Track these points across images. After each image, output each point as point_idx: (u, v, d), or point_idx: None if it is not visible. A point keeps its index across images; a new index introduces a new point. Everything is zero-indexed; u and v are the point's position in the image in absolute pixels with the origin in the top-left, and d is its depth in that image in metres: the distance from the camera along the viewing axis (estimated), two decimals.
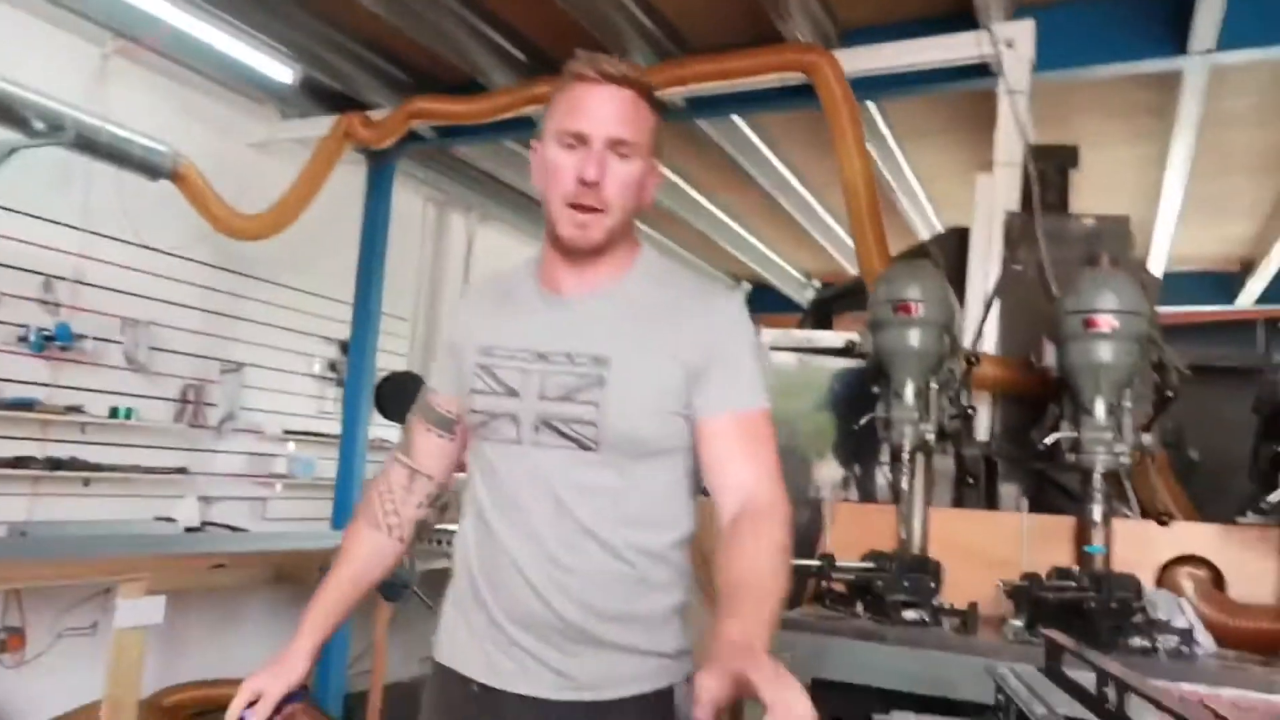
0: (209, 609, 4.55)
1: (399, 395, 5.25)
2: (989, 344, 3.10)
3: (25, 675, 3.84)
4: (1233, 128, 4.63)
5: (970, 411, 2.64)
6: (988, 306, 3.12)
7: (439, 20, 3.83)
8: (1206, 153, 4.76)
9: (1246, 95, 4.27)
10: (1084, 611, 2.20)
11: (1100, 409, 2.35)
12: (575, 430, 1.29)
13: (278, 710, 1.37)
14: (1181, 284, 7.30)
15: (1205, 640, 2.23)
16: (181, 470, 4.50)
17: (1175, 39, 3.38)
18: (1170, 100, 4.10)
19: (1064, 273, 2.74)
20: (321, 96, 4.85)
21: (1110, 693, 1.28)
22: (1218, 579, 2.47)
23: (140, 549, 3.56)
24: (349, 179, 5.09)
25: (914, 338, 2.53)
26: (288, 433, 5.16)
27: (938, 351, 2.57)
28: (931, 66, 3.60)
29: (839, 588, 2.57)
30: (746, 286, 8.63)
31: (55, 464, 3.93)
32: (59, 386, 4.05)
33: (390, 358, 5.61)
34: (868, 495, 3.27)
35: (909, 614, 2.39)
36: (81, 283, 4.16)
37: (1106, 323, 2.32)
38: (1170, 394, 2.48)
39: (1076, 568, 2.38)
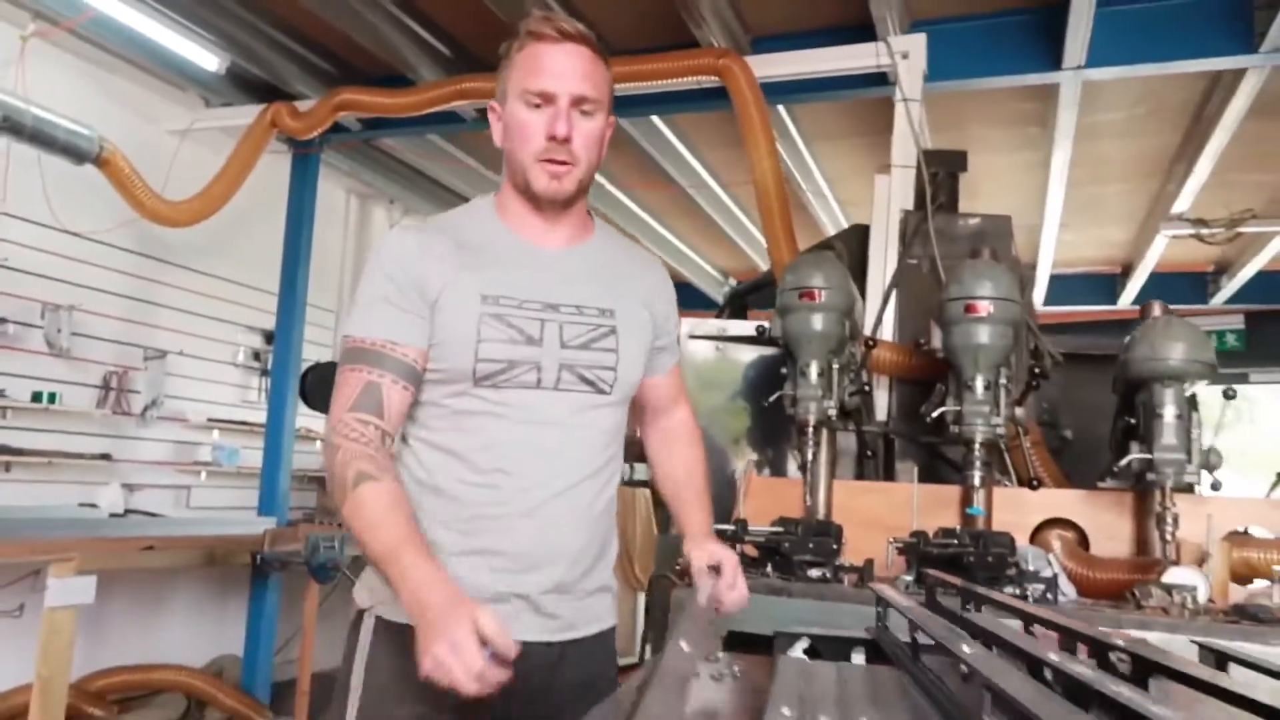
0: (136, 593, 4.56)
1: (325, 385, 5.32)
2: (887, 332, 3.40)
3: None
4: (1105, 139, 5.05)
5: (867, 389, 2.89)
6: (886, 297, 3.42)
7: (366, 13, 3.92)
8: (1084, 161, 5.18)
9: (1117, 110, 4.68)
10: (964, 564, 2.47)
11: (979, 385, 2.63)
12: (598, 376, 1.41)
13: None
14: (1067, 285, 7.83)
15: (1068, 588, 2.53)
16: (105, 456, 4.50)
17: (1051, 56, 3.74)
18: (1050, 111, 4.47)
19: (954, 267, 3.02)
20: (246, 86, 4.89)
21: (971, 609, 1.53)
22: (1083, 539, 2.79)
23: (68, 531, 3.60)
24: (273, 169, 5.14)
25: (817, 321, 2.77)
26: (212, 421, 5.18)
27: (839, 335, 2.82)
28: (834, 74, 3.88)
29: (751, 552, 2.81)
30: None
31: None
32: None
33: (314, 348, 5.68)
34: (779, 475, 3.55)
35: (813, 572, 2.64)
36: (1, 266, 4.14)
37: (984, 308, 2.59)
38: (1040, 372, 2.77)
39: (959, 528, 2.67)
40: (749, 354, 3.82)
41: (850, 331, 2.92)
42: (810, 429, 2.82)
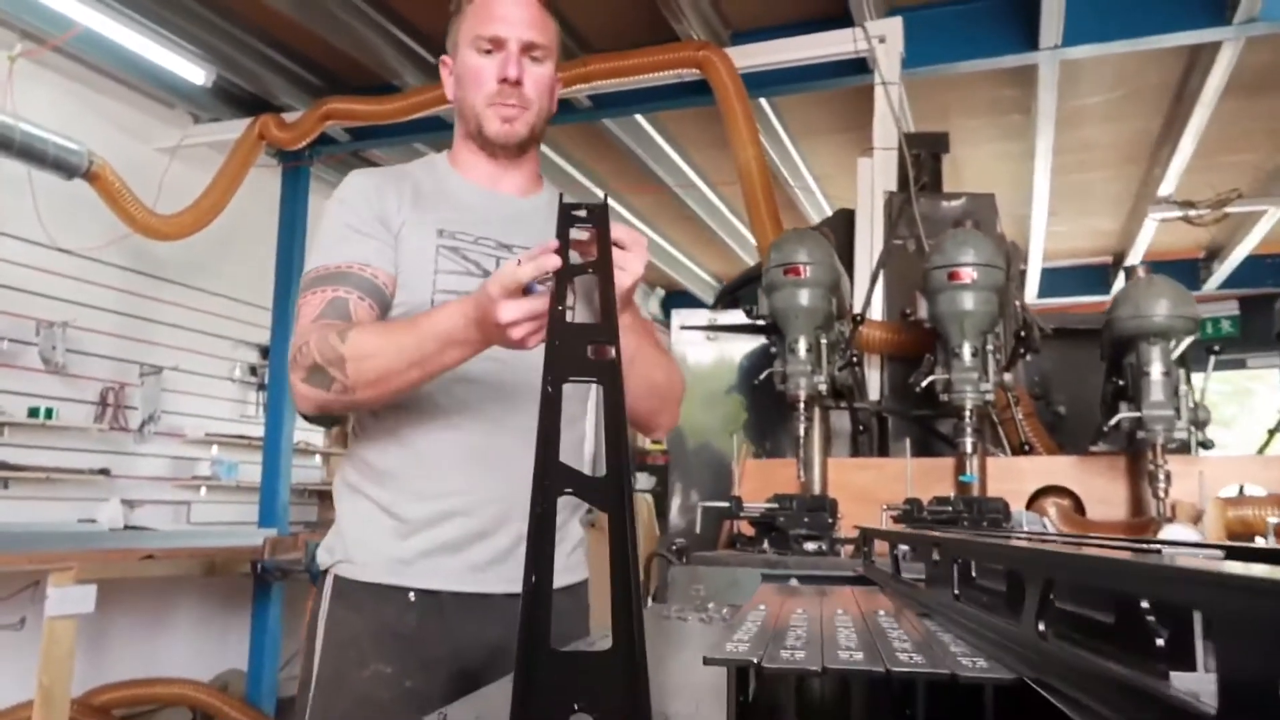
0: (138, 607, 4.56)
1: None
2: (876, 312, 3.41)
3: None
4: (1088, 124, 5.09)
5: (856, 362, 2.91)
6: (874, 276, 3.44)
7: (349, 20, 3.97)
8: (1068, 148, 5.22)
9: (1097, 93, 4.72)
10: (959, 529, 2.48)
11: (966, 352, 2.64)
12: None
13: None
14: (1059, 278, 7.87)
15: None
16: (103, 472, 4.51)
17: (1028, 37, 3.78)
18: (1031, 97, 4.51)
19: (937, 237, 3.04)
20: (233, 101, 4.94)
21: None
22: (1079, 506, 2.79)
23: (67, 545, 3.60)
24: (264, 184, 5.18)
25: (803, 297, 2.79)
26: (210, 436, 5.19)
27: (826, 310, 2.83)
28: (814, 61, 3.92)
29: (748, 531, 2.81)
30: (660, 292, 8.90)
31: None
32: None
33: None
34: None
35: (809, 546, 2.64)
36: None
37: (968, 274, 2.61)
38: (1028, 340, 2.78)
39: (953, 495, 2.67)
40: (742, 346, 3.84)
41: (837, 308, 2.93)
42: (801, 405, 2.82)
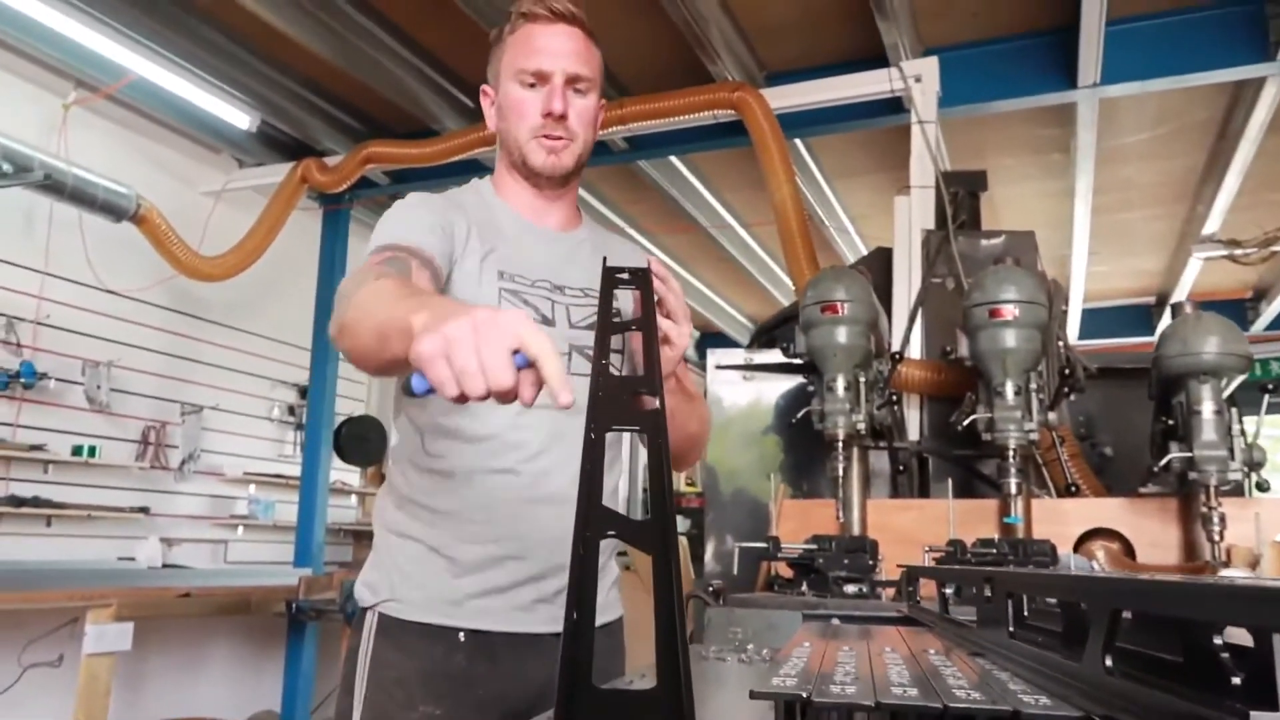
0: (174, 647, 4.57)
1: (358, 439, 5.38)
2: (915, 351, 3.37)
3: None
4: (1130, 162, 5.04)
5: (895, 400, 2.86)
6: (912, 315, 3.40)
7: (391, 66, 4.06)
8: (1109, 186, 5.16)
9: (1139, 131, 4.68)
10: None
11: (1009, 390, 2.59)
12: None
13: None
14: (1101, 318, 7.75)
15: None
16: (143, 510, 4.55)
17: (1066, 75, 3.76)
18: (1070, 135, 4.48)
19: (977, 273, 3.00)
20: (276, 145, 5.05)
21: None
22: (1129, 549, 2.71)
23: (107, 582, 3.62)
24: (305, 227, 5.27)
25: (842, 334, 2.76)
26: (248, 475, 5.23)
27: (864, 348, 2.80)
28: (849, 101, 3.93)
29: (786, 572, 2.75)
30: (695, 334, 8.90)
31: (18, 502, 3.98)
32: (22, 426, 4.11)
33: (347, 403, 5.74)
34: None
35: (849, 588, 2.58)
36: (43, 324, 4.26)
37: (1009, 311, 2.57)
38: (1073, 378, 2.73)
39: (997, 537, 2.60)
40: (778, 386, 3.80)
41: (876, 346, 2.89)
42: (840, 444, 2.78)
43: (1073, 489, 2.78)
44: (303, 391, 5.50)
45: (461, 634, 1.31)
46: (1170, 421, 2.61)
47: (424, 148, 4.55)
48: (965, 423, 2.68)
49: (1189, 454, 2.45)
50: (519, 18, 1.40)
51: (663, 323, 1.25)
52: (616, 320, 1.09)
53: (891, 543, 2.77)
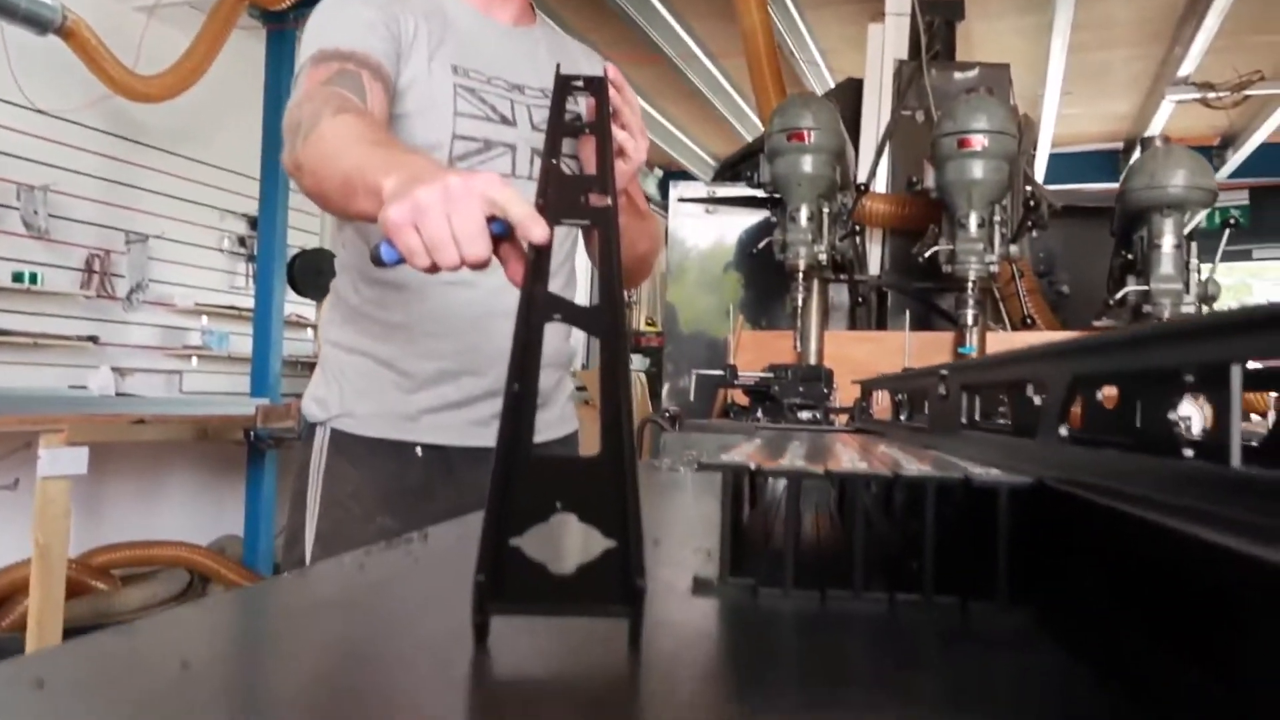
0: (132, 473, 4.59)
1: (314, 273, 5.27)
2: (880, 184, 3.31)
3: None
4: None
5: (857, 232, 2.83)
6: (880, 147, 3.32)
7: None
8: (1089, 24, 5.00)
9: None
10: None
11: (973, 222, 2.56)
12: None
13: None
14: (1068, 163, 7.69)
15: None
16: (92, 339, 4.47)
17: None
18: None
19: (948, 103, 2.92)
20: None
21: None
22: None
23: (58, 408, 3.58)
24: (247, 50, 4.97)
25: (807, 163, 2.69)
26: (200, 306, 5.14)
27: (829, 178, 2.74)
28: None
29: (742, 400, 2.79)
30: (658, 172, 8.72)
31: None
32: None
33: (300, 235, 5.59)
34: None
35: (804, 414, 2.63)
36: None
37: (979, 142, 2.51)
38: (1036, 211, 2.70)
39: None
40: (741, 222, 3.74)
41: (841, 178, 2.84)
42: (800, 275, 2.77)
43: (1028, 322, 2.81)
44: (253, 222, 5.34)
45: (418, 448, 1.30)
46: (1130, 256, 2.62)
47: None
48: (927, 254, 2.67)
49: (1145, 287, 2.47)
50: None
51: (617, 134, 1.19)
52: (570, 123, 1.04)
53: (847, 374, 2.80)
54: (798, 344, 2.87)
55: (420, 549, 0.67)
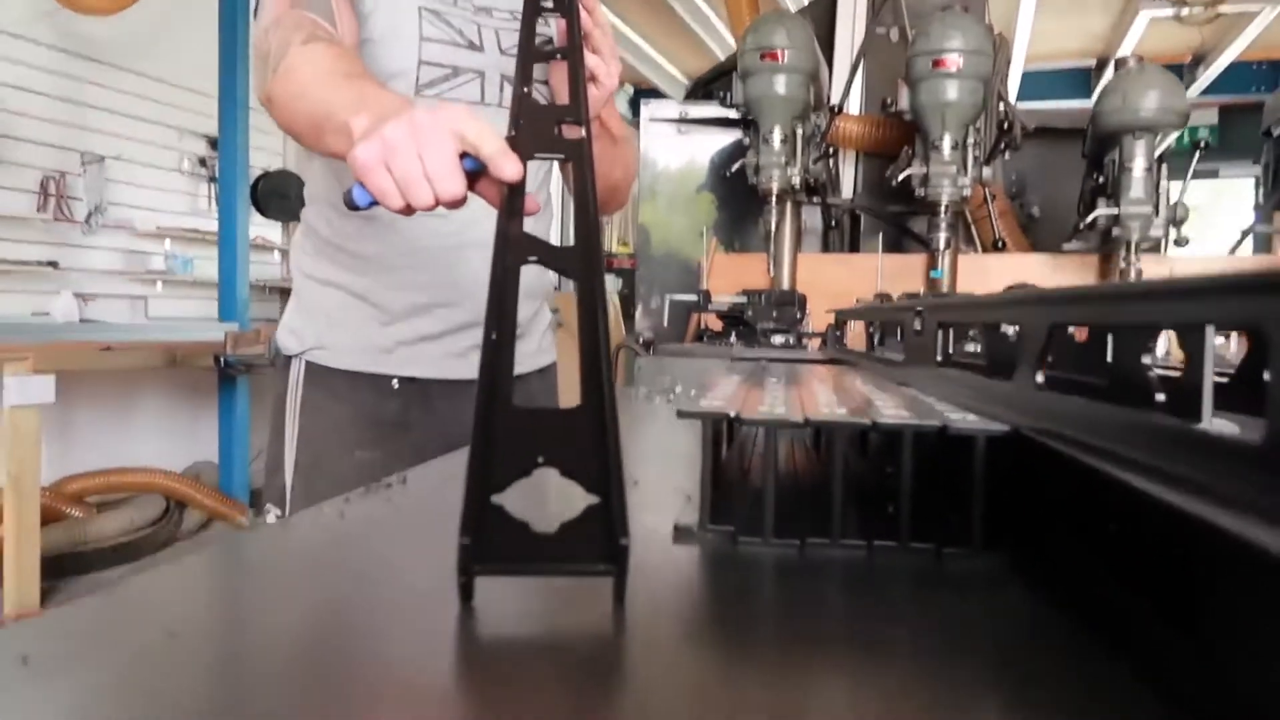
0: (102, 401, 4.55)
1: (279, 196, 5.16)
2: (855, 105, 3.27)
3: None
4: None
5: (830, 155, 2.81)
6: (854, 67, 3.27)
7: None
8: None
9: None
10: None
11: (946, 144, 2.55)
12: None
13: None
14: (1040, 81, 7.61)
15: None
16: (52, 264, 4.37)
17: None
18: None
19: (923, 22, 2.87)
20: None
21: None
22: None
23: (21, 336, 3.51)
24: None
25: (780, 84, 2.65)
26: (162, 229, 5.02)
27: (803, 99, 2.70)
28: None
29: (715, 325, 2.80)
30: (629, 89, 8.54)
31: None
32: None
33: (262, 155, 5.44)
34: None
35: (777, 339, 2.64)
36: None
37: (953, 62, 2.48)
38: (1010, 134, 2.69)
39: (922, 291, 2.65)
40: (714, 142, 3.69)
41: (815, 98, 2.80)
42: (773, 198, 2.75)
43: (999, 244, 2.82)
44: (213, 142, 5.18)
45: (395, 380, 1.29)
46: (1101, 179, 2.62)
47: None
48: (900, 177, 2.66)
49: (1115, 210, 2.48)
50: None
51: (589, 59, 1.15)
52: (541, 48, 1.00)
53: (820, 297, 2.81)
54: (771, 268, 2.87)
55: (400, 495, 0.68)
